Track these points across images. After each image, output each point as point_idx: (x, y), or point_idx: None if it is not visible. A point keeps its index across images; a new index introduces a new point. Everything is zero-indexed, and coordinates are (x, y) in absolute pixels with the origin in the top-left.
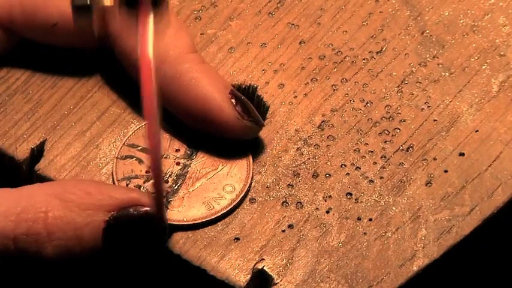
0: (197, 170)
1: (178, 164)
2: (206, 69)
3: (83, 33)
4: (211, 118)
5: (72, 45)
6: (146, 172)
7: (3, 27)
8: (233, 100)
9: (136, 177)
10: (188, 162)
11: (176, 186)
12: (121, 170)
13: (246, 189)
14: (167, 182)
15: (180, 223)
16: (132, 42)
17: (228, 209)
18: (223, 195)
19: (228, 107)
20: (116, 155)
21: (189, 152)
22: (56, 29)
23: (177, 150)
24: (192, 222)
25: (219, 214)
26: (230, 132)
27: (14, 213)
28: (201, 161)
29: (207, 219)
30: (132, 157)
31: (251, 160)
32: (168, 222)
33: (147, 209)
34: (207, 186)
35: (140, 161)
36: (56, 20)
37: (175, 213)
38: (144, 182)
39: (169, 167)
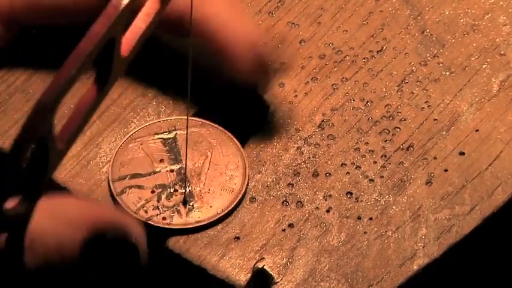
0: (192, 166)
1: (172, 171)
2: (236, 14)
3: (86, 10)
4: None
5: (75, 23)
6: (152, 192)
7: (2, 17)
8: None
9: (147, 201)
10: (179, 166)
11: (187, 190)
12: (131, 203)
13: (244, 158)
14: (176, 190)
15: (218, 217)
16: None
17: (246, 184)
18: (232, 174)
19: (256, 49)
20: (115, 193)
21: (173, 157)
22: (59, 10)
23: (161, 161)
24: (227, 211)
25: (242, 192)
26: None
27: None
28: (189, 158)
29: (237, 201)
30: (129, 187)
31: (227, 131)
32: (208, 221)
33: (127, 234)
34: (212, 175)
35: (139, 186)
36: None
37: (208, 211)
38: (158, 201)
39: (167, 179)
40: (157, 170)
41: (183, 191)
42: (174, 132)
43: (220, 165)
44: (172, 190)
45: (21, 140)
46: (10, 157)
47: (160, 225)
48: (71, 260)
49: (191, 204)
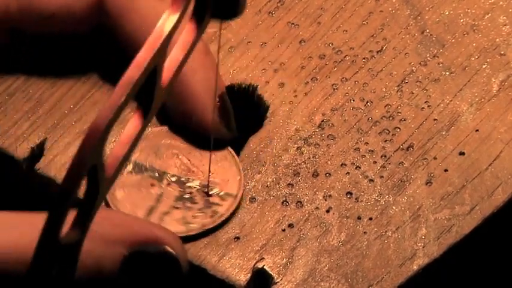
0: (178, 169)
1: (169, 184)
2: (207, 63)
3: (79, 21)
4: (193, 114)
5: (66, 33)
6: (178, 209)
7: None
8: (219, 103)
9: (184, 218)
10: (167, 175)
11: (199, 185)
12: (177, 228)
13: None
14: (191, 193)
15: (243, 180)
16: (137, 22)
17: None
18: (224, 153)
19: (211, 109)
20: None
21: (156, 174)
22: (52, 19)
23: (152, 185)
24: (242, 172)
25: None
26: (203, 131)
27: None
28: (166, 166)
29: (239, 161)
30: (159, 220)
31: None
32: (241, 190)
33: (167, 248)
34: (199, 160)
35: (165, 213)
36: (53, 11)
37: (232, 184)
38: (190, 210)
39: (174, 191)
40: (159, 193)
41: (196, 187)
42: None
43: (193, 149)
44: (188, 195)
45: (74, 169)
46: (64, 189)
47: (218, 224)
48: (110, 277)
49: (214, 191)
